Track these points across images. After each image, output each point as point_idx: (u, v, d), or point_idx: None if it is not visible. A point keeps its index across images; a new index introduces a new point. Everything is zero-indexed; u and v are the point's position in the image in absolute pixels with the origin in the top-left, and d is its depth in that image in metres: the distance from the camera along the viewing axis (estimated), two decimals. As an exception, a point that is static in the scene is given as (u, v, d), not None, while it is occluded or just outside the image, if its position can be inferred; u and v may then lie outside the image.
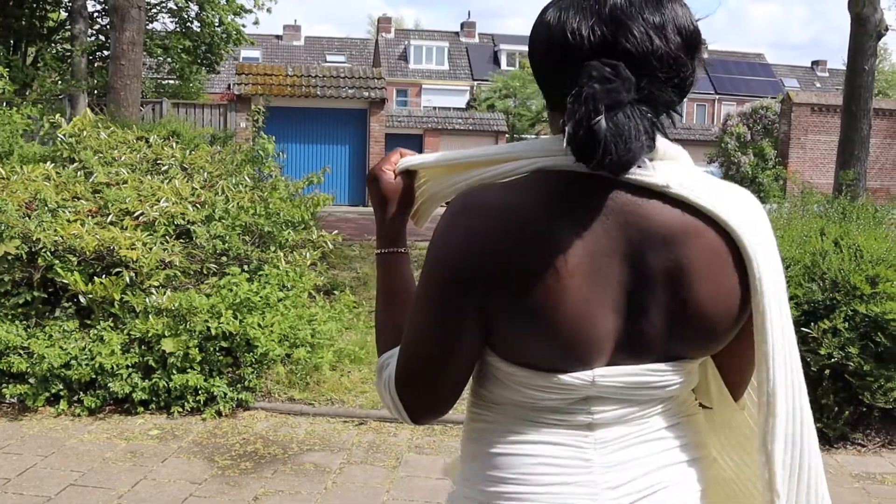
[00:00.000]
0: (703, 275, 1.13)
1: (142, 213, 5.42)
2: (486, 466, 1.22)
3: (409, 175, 1.37)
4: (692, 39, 1.13)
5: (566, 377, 1.14)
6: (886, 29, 12.31)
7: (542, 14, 1.17)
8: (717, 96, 51.34)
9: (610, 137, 1.03)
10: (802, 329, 4.73)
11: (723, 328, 1.17)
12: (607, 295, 1.13)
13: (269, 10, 21.32)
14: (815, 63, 58.29)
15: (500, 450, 1.21)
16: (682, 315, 1.14)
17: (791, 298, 4.75)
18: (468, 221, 1.15)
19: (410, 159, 1.36)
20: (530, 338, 1.13)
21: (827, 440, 4.72)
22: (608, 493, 1.17)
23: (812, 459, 1.24)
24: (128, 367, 4.89)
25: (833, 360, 4.61)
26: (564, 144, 1.06)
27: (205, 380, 4.92)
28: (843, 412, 4.70)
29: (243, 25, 21.59)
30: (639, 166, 1.10)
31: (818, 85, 53.76)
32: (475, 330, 1.16)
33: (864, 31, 12.13)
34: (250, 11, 21.33)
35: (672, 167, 1.15)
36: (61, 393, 4.93)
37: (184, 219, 5.51)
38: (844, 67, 12.92)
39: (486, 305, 1.13)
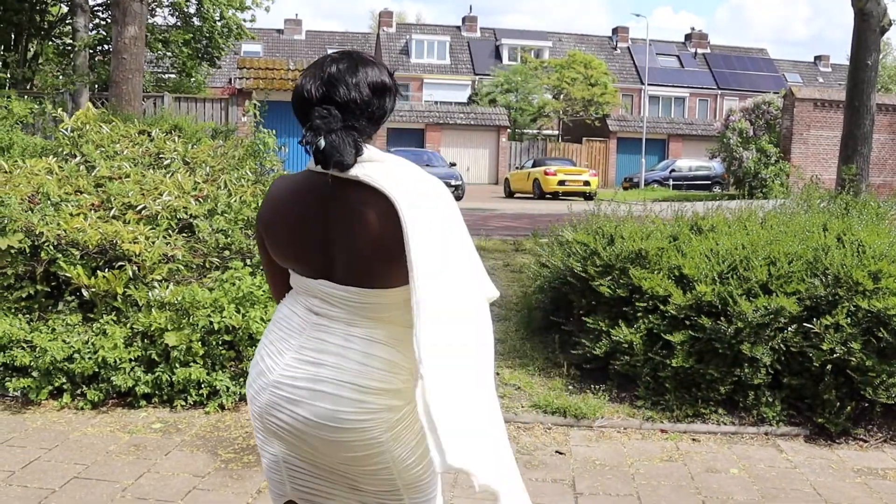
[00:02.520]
0: (375, 227, 1.83)
1: (144, 207, 5.42)
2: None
3: None
4: (379, 88, 1.89)
5: (307, 280, 1.95)
6: (890, 24, 12.30)
7: (299, 78, 1.93)
8: (720, 91, 51.31)
9: (329, 150, 1.79)
10: (805, 324, 4.73)
11: (387, 262, 1.84)
12: (316, 239, 1.90)
13: (267, 10, 21.33)
14: (817, 58, 58.21)
15: (277, 312, 2.07)
16: (361, 253, 1.86)
17: (793, 294, 4.77)
18: (266, 196, 2.03)
19: None
20: (282, 258, 2.00)
21: (829, 435, 4.73)
22: (297, 346, 1.93)
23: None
24: (131, 360, 4.90)
25: (835, 355, 4.61)
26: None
27: (207, 374, 4.93)
28: (844, 407, 4.71)
29: (244, 20, 21.56)
30: (347, 165, 1.81)
31: (821, 80, 53.70)
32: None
33: (868, 25, 12.11)
34: (249, 8, 21.30)
35: (369, 165, 1.85)
36: (64, 386, 4.94)
37: (186, 213, 5.51)
38: (847, 62, 12.88)
39: (266, 241, 2.01)
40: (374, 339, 1.91)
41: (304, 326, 1.95)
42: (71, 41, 18.00)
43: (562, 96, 41.56)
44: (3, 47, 16.72)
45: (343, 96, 1.83)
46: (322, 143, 1.78)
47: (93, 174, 5.80)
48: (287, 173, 2.12)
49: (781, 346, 4.75)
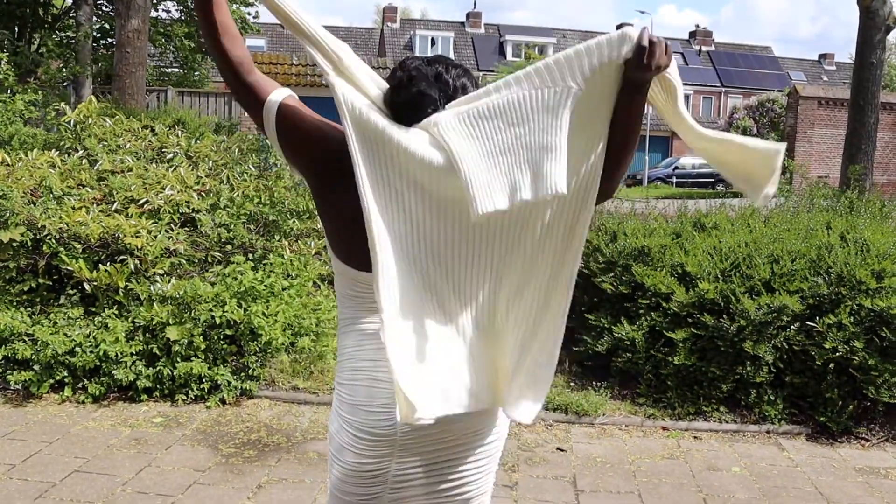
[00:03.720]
0: None
1: (147, 201, 5.41)
2: (340, 339, 1.93)
3: None
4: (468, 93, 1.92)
5: (364, 274, 1.79)
6: (895, 22, 12.25)
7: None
8: (724, 89, 51.17)
9: (415, 76, 1.85)
10: (807, 323, 4.72)
11: None
12: None
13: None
14: (822, 56, 58.01)
15: (344, 329, 1.92)
16: None
17: (796, 292, 4.75)
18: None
19: None
20: (332, 240, 1.89)
21: (831, 434, 4.72)
22: None
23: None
24: (132, 354, 4.90)
25: (838, 354, 4.60)
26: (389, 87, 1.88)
27: (209, 368, 4.93)
28: (847, 406, 4.70)
29: (248, 14, 21.53)
30: (429, 96, 1.85)
31: (825, 78, 53.54)
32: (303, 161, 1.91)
33: (873, 23, 12.07)
34: (253, 4, 21.28)
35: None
36: (66, 380, 4.94)
37: (189, 207, 5.51)
38: (852, 61, 12.86)
39: (315, 175, 1.88)
40: None
41: None
42: (74, 34, 17.97)
43: (565, 93, 41.49)
44: (8, 39, 16.73)
45: (439, 70, 1.94)
46: (412, 72, 1.87)
47: (95, 168, 5.80)
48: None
49: (784, 344, 4.74)
